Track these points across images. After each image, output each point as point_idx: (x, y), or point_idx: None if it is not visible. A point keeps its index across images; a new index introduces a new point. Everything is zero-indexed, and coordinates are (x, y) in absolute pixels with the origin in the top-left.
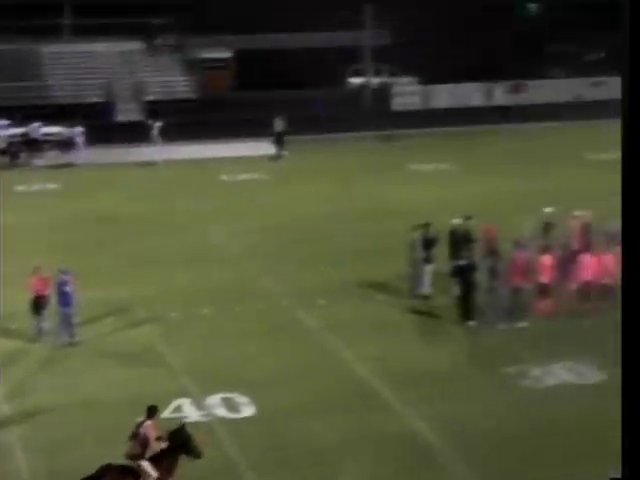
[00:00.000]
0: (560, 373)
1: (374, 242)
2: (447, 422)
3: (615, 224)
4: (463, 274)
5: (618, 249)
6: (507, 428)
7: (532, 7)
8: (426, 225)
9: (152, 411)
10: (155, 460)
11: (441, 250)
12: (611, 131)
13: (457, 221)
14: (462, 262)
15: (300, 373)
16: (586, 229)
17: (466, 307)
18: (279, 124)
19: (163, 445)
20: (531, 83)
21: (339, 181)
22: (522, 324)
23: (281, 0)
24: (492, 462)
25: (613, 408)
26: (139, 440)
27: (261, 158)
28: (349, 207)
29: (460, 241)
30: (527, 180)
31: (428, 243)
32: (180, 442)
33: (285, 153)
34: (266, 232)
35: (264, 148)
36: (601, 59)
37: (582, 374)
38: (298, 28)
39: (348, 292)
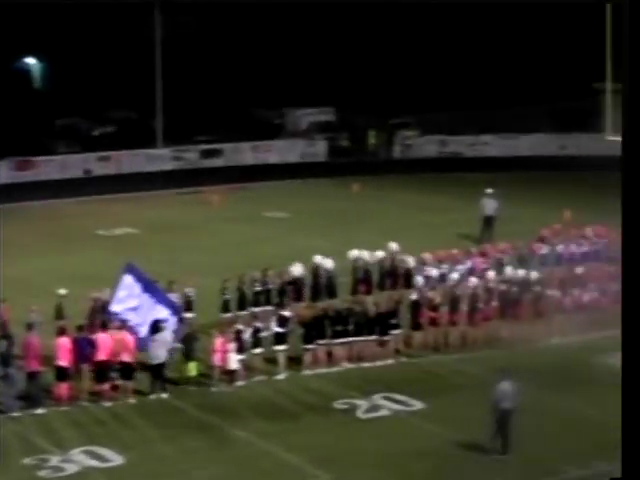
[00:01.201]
0: (81, 459)
1: None
2: None
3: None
4: None
5: (131, 326)
6: None
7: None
8: None
9: None
10: None
11: None
12: (121, 207)
13: None
14: None
15: None
16: (101, 308)
17: None
18: None
19: None
20: (39, 159)
21: None
22: (39, 410)
23: None
24: None
25: None
26: None
27: None
28: None
29: None
30: (40, 260)
31: None
32: None
33: None
34: None
35: None
36: (109, 134)
37: (103, 457)
38: None
39: None
